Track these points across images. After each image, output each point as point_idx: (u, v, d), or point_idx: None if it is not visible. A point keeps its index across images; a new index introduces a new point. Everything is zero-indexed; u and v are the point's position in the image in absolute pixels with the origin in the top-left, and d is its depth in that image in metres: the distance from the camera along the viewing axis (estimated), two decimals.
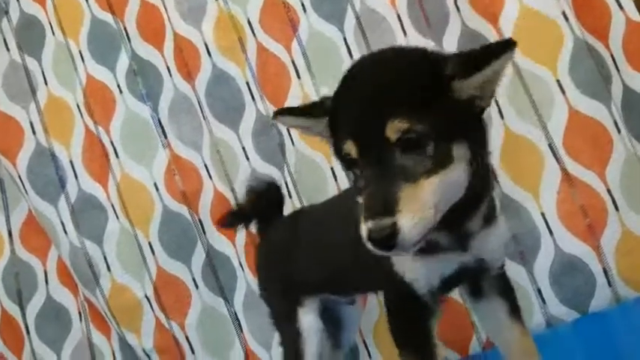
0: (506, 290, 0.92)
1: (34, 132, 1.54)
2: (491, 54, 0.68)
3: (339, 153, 0.73)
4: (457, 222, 0.78)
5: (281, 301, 1.13)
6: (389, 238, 0.64)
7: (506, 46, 0.68)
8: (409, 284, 0.82)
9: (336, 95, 0.76)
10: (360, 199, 0.69)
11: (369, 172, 0.69)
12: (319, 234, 1.05)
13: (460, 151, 0.69)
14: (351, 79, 0.75)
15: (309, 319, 1.06)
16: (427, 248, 0.77)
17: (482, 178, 0.76)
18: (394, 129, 0.67)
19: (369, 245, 0.66)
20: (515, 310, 0.91)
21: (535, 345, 0.91)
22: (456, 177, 0.69)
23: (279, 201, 1.23)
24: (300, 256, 1.08)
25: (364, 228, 0.66)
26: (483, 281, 0.91)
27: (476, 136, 0.73)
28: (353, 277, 0.97)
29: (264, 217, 1.20)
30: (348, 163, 0.73)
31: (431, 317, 0.84)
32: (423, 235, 0.67)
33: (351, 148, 0.70)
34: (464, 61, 0.69)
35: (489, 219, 0.82)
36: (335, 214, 1.02)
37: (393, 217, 0.64)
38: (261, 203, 1.20)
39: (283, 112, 0.86)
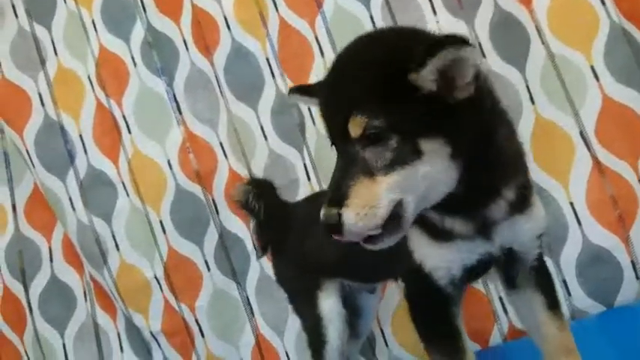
0: (543, 283, 0.88)
1: (42, 104, 1.48)
2: (439, 44, 0.66)
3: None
4: (472, 210, 0.76)
5: (300, 285, 1.09)
6: (335, 227, 0.67)
7: (458, 39, 0.66)
8: (429, 274, 0.79)
9: (323, 79, 0.77)
10: None
11: (337, 160, 0.72)
12: None
13: (432, 146, 0.68)
14: (332, 66, 0.75)
15: (329, 303, 1.03)
16: (441, 234, 0.77)
17: (491, 167, 0.73)
18: (355, 124, 0.68)
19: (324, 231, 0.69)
20: (553, 305, 0.88)
21: (574, 342, 0.87)
22: (429, 171, 0.68)
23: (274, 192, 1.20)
24: (320, 238, 1.04)
25: (321, 212, 0.68)
26: (517, 273, 0.87)
27: (459, 128, 0.69)
28: (370, 263, 0.93)
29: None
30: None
31: (453, 306, 0.81)
32: (373, 226, 0.67)
33: (328, 134, 0.74)
34: (418, 52, 0.67)
35: (520, 206, 0.79)
36: None
37: (340, 208, 0.67)
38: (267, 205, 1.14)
39: (295, 90, 0.87)
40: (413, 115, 0.68)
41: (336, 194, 0.68)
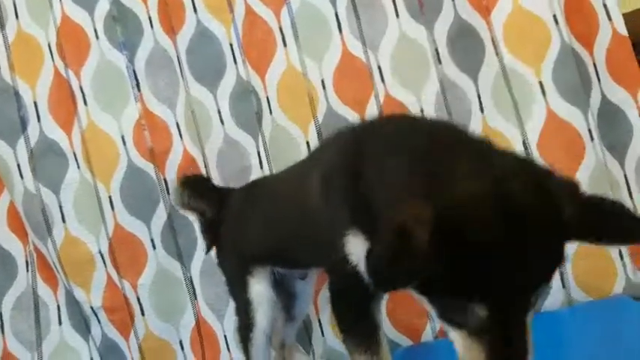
0: None
1: None
2: (623, 234, 0.64)
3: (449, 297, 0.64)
4: None
5: (234, 269, 1.12)
6: None
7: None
8: (358, 271, 0.79)
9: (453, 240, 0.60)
10: (464, 332, 0.65)
11: (497, 324, 0.62)
12: (271, 205, 1.04)
13: None
14: (507, 226, 0.60)
15: (259, 288, 1.06)
16: None
17: None
18: (538, 292, 0.65)
19: None
20: None
21: None
22: None
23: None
24: (252, 226, 1.07)
25: None
26: None
27: None
28: (302, 252, 0.96)
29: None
30: (459, 307, 0.64)
31: (375, 302, 0.83)
32: None
33: (480, 308, 0.62)
34: (587, 221, 0.63)
35: None
36: (288, 186, 1.00)
37: None
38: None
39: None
40: None
41: None
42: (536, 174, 0.66)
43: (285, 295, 1.12)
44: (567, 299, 1.23)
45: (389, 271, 0.60)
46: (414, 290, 0.67)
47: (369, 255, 0.63)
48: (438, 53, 1.29)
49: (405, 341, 1.29)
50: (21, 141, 1.44)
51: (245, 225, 1.09)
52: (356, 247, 0.76)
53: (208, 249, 1.20)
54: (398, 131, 0.78)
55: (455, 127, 0.79)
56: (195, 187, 1.21)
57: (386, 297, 1.04)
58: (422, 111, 1.30)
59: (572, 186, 0.66)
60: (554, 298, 1.23)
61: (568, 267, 1.24)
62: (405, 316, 1.27)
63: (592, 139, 1.22)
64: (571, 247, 1.20)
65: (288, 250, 0.99)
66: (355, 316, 0.84)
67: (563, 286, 1.23)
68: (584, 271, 1.23)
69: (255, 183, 1.24)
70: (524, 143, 1.25)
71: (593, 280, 1.22)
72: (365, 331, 0.84)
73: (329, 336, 1.34)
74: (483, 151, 0.70)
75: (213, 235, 1.18)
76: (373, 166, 0.74)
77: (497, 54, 1.27)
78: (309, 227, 0.86)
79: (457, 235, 0.59)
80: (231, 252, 1.13)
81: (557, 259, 0.65)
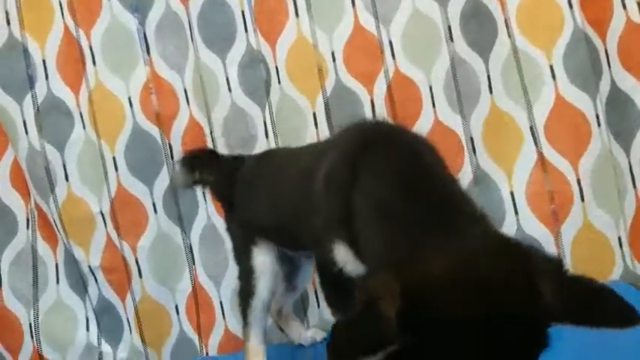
0: None
1: (8, 22, 1.44)
2: (609, 319, 0.58)
3: None
4: None
5: (240, 236, 1.12)
6: None
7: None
8: (343, 270, 0.81)
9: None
10: None
11: None
12: (279, 181, 1.03)
13: None
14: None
15: (262, 259, 1.06)
16: None
17: None
18: None
19: None
20: None
21: None
22: None
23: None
24: (258, 197, 1.07)
25: None
26: None
27: None
28: (299, 234, 0.94)
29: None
30: None
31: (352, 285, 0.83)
32: None
33: None
34: (569, 304, 0.57)
35: None
36: (299, 167, 0.99)
37: None
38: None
39: None
40: None
41: None
42: (515, 253, 0.61)
43: (288, 264, 1.12)
44: None
45: (349, 339, 0.57)
46: None
47: (335, 325, 0.61)
48: (450, 31, 1.28)
49: None
50: (28, 98, 1.44)
51: (253, 195, 1.09)
52: (340, 255, 0.78)
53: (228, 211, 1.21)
54: (393, 166, 0.75)
55: (449, 179, 0.75)
56: (199, 163, 1.21)
57: None
58: (430, 88, 1.29)
59: (555, 265, 0.61)
60: None
61: (567, 253, 1.25)
62: None
63: (599, 124, 1.23)
64: (570, 233, 1.24)
65: (287, 229, 0.98)
66: (340, 298, 0.86)
67: None
68: (581, 258, 1.24)
69: (268, 154, 1.23)
70: (531, 127, 1.25)
71: (590, 266, 1.22)
72: (349, 309, 0.84)
73: (324, 308, 1.35)
74: (463, 220, 0.65)
75: (226, 200, 1.18)
76: (363, 194, 0.74)
77: (509, 35, 1.26)
78: (309, 213, 0.86)
79: (424, 315, 0.55)
80: (239, 219, 1.13)
81: (539, 345, 0.57)
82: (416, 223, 0.66)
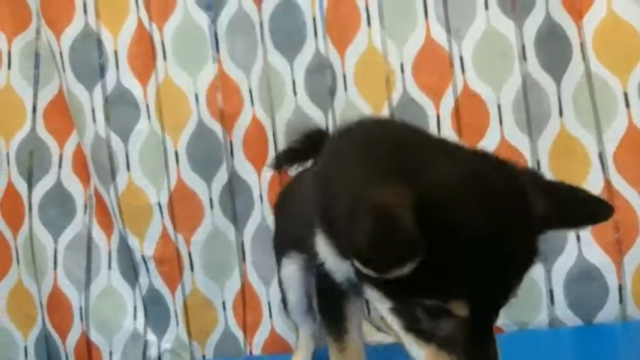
0: None
1: (85, 12, 1.48)
2: (590, 217, 0.66)
3: (422, 298, 0.60)
4: None
5: (276, 245, 1.16)
6: None
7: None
8: (329, 272, 0.81)
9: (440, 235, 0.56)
10: (433, 345, 0.62)
11: (469, 331, 0.60)
12: (295, 196, 1.05)
13: None
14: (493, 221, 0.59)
15: (289, 270, 1.07)
16: None
17: None
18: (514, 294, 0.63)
19: None
20: None
21: None
22: None
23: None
24: (287, 211, 1.10)
25: None
26: None
27: None
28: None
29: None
30: (432, 311, 0.60)
31: (347, 299, 0.85)
32: None
33: (459, 307, 0.59)
34: (558, 211, 0.64)
35: None
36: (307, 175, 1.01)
37: None
38: (309, 148, 1.15)
39: None
40: None
41: None
42: (508, 168, 0.66)
43: None
44: (622, 314, 1.22)
45: (378, 258, 0.55)
46: (381, 293, 0.63)
47: (350, 245, 0.60)
48: (524, 50, 1.27)
49: None
50: (98, 87, 1.47)
51: (285, 208, 1.13)
52: (321, 247, 0.77)
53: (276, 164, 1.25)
54: (367, 131, 0.78)
55: (425, 131, 0.78)
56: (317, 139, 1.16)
57: None
58: (499, 107, 1.29)
59: (537, 175, 0.69)
60: (608, 311, 1.22)
61: (628, 283, 1.22)
62: None
63: None
64: (633, 263, 1.22)
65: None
66: (326, 305, 0.89)
67: (620, 302, 1.22)
68: None
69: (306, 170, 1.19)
70: (600, 153, 1.24)
71: None
72: (332, 318, 0.88)
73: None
74: (457, 147, 0.72)
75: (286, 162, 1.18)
76: (340, 167, 0.73)
77: (584, 59, 1.25)
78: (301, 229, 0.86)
79: (438, 222, 0.56)
80: (277, 228, 1.18)
81: (534, 254, 0.63)
82: (407, 150, 0.67)
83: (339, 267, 0.77)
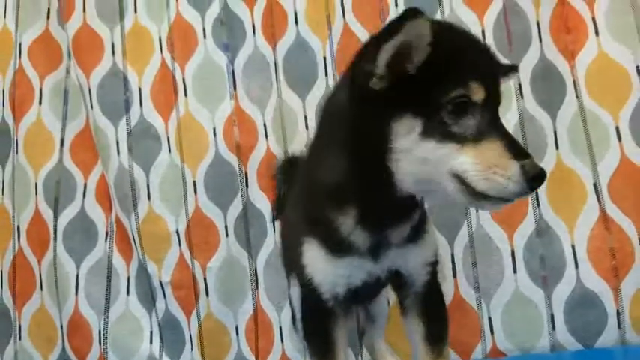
0: (429, 312, 0.90)
1: (113, 53, 1.60)
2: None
3: (448, 93, 0.72)
4: (381, 226, 0.82)
5: (284, 266, 1.21)
6: (544, 174, 0.71)
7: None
8: (316, 288, 0.84)
9: (449, 38, 0.76)
10: (470, 145, 0.72)
11: (489, 118, 0.75)
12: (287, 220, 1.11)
13: None
14: (462, 34, 0.80)
15: (297, 288, 1.07)
16: (338, 248, 0.82)
17: None
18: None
19: (525, 185, 0.69)
20: (434, 337, 0.89)
21: None
22: None
23: None
24: (283, 235, 1.17)
25: (517, 167, 0.69)
26: (405, 298, 0.91)
27: None
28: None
29: None
30: (458, 106, 0.72)
31: (335, 320, 0.87)
32: None
33: (477, 91, 0.73)
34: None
35: (415, 235, 0.85)
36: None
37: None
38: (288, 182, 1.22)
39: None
40: None
41: (523, 147, 0.74)
42: None
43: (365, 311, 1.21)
44: (621, 339, 1.26)
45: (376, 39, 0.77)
46: (417, 117, 0.73)
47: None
48: (520, 88, 1.36)
49: (455, 357, 1.33)
50: (123, 121, 1.58)
51: (283, 231, 1.19)
52: (310, 256, 0.82)
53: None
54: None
55: None
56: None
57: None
58: None
59: None
60: (608, 336, 1.26)
61: (625, 309, 1.27)
62: (459, 332, 1.31)
63: None
64: (629, 290, 1.26)
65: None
66: (314, 329, 0.90)
67: (619, 327, 1.26)
68: None
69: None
70: (594, 184, 1.31)
71: None
72: (321, 348, 0.88)
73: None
74: None
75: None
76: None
77: (577, 96, 1.33)
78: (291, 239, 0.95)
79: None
80: (282, 250, 1.22)
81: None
82: None
83: (326, 274, 0.83)
